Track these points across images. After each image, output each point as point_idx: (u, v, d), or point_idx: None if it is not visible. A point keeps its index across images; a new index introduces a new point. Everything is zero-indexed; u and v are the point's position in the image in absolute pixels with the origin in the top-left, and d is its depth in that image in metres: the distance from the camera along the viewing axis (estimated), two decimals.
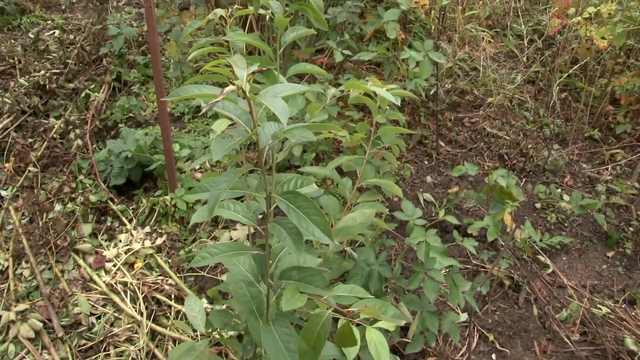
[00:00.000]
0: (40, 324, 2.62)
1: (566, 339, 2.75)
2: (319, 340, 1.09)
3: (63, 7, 5.73)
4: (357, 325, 1.38)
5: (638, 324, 2.78)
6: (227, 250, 1.21)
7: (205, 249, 1.21)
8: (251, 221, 1.24)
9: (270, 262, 1.40)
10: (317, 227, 1.07)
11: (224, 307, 2.52)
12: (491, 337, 2.76)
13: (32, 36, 4.93)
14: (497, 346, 2.74)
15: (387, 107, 2.14)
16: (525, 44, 4.97)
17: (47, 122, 4.02)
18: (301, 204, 1.08)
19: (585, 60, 4.46)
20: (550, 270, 3.15)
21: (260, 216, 2.72)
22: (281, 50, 1.67)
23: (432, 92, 4.07)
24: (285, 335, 1.24)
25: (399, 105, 1.93)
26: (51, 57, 4.66)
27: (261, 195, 1.17)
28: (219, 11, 1.64)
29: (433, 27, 4.66)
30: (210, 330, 1.61)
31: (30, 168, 3.56)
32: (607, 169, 3.92)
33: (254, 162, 3.48)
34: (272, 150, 1.56)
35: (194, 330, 2.69)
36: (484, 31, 4.99)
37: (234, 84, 0.90)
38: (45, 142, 3.77)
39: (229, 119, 1.67)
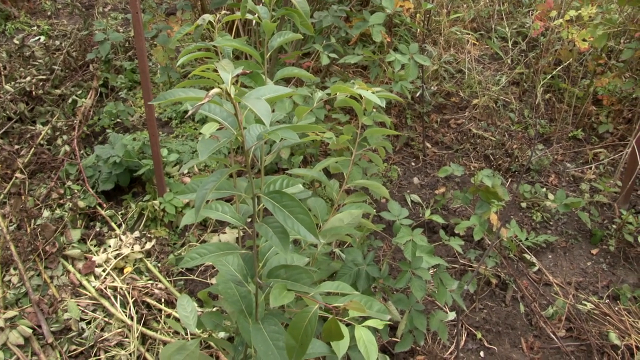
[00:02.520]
0: (30, 331, 2.62)
1: (552, 335, 2.80)
2: (306, 336, 1.11)
3: (49, 13, 5.71)
4: (347, 324, 1.41)
5: (621, 318, 2.83)
6: (215, 251, 1.23)
7: (194, 250, 1.23)
8: (239, 221, 1.27)
9: (259, 262, 1.42)
10: (303, 226, 1.09)
11: (214, 309, 2.54)
12: (479, 335, 2.80)
13: (17, 42, 4.91)
14: (485, 344, 2.77)
15: (373, 110, 2.18)
16: (510, 46, 5.04)
17: (33, 128, 4.01)
18: (287, 203, 1.11)
19: (567, 62, 4.53)
20: (536, 268, 3.20)
21: (249, 219, 2.74)
22: (268, 54, 1.69)
23: (418, 94, 4.12)
24: (274, 333, 1.26)
25: (384, 107, 1.96)
26: (37, 63, 4.64)
27: (248, 196, 1.19)
28: (207, 17, 1.66)
29: (418, 30, 4.71)
30: (201, 330, 1.63)
31: (17, 175, 3.54)
32: (590, 168, 3.99)
33: (242, 164, 3.50)
34: (261, 153, 1.58)
35: (185, 333, 2.70)
36: (469, 34, 5.05)
37: (220, 87, 0.92)
38: (32, 149, 3.76)
39: (217, 122, 1.69)
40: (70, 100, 4.27)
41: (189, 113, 0.92)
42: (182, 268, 3.08)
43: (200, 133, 4.06)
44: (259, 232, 1.15)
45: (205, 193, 1.02)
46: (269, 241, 1.12)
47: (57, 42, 4.97)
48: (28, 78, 4.32)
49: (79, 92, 4.40)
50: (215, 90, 0.91)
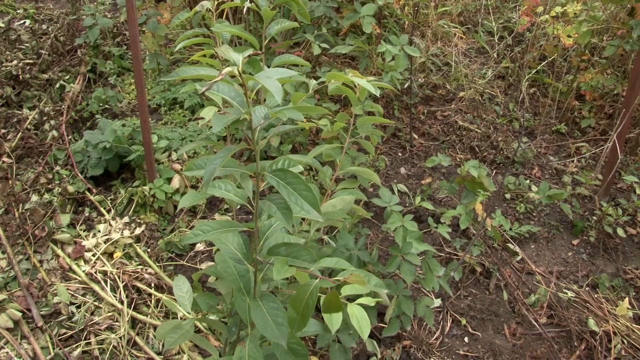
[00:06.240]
0: (19, 314, 2.62)
1: (534, 322, 2.88)
2: (307, 308, 1.16)
3: None
4: None
5: (600, 306, 2.92)
6: (218, 228, 1.26)
7: (198, 227, 1.27)
8: (242, 199, 1.30)
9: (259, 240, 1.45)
10: (306, 202, 1.13)
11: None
12: (463, 321, 2.87)
13: (2, 25, 4.85)
14: (469, 330, 2.85)
15: (365, 99, 2.22)
16: (496, 41, 5.11)
17: (20, 112, 3.98)
18: (290, 180, 1.15)
19: (552, 57, 4.62)
20: (519, 258, 3.28)
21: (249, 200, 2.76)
22: (266, 42, 1.72)
23: (406, 86, 4.17)
24: (273, 309, 1.30)
25: (379, 96, 2.00)
26: (23, 47, 4.59)
27: (250, 172, 1.23)
28: (206, 3, 1.68)
29: (407, 22, 4.76)
30: (195, 310, 1.67)
31: (4, 159, 3.52)
32: (572, 161, 4.08)
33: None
34: (257, 137, 1.62)
35: (176, 317, 2.72)
36: (456, 27, 5.11)
37: (235, 65, 0.95)
38: (20, 133, 3.74)
39: (217, 107, 1.72)
40: (57, 85, 4.24)
41: (202, 90, 0.95)
42: (172, 253, 3.10)
43: (189, 120, 4.07)
44: (263, 208, 1.19)
45: (215, 168, 1.06)
46: (273, 216, 1.16)
47: (44, 26, 4.92)
48: (14, 62, 4.28)
49: (67, 77, 4.37)
50: (229, 69, 0.94)
